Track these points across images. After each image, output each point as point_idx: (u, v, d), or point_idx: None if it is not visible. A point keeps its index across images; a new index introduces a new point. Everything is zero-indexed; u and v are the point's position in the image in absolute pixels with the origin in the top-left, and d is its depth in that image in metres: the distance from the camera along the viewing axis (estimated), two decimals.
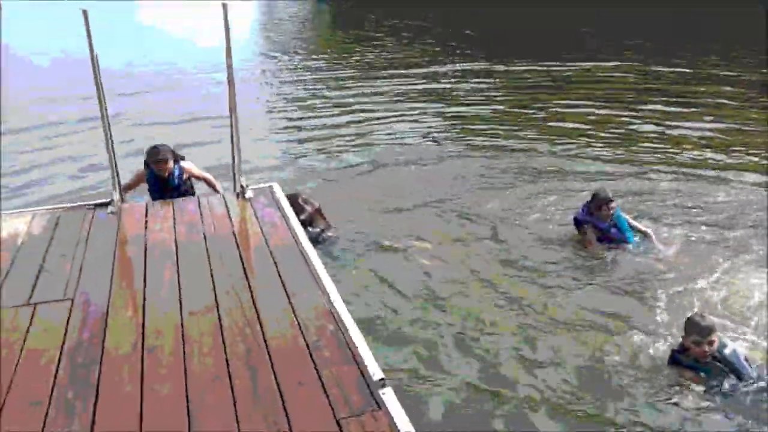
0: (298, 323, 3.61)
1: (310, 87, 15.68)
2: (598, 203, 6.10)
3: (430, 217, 7.05)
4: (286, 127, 11.69)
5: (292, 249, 4.62)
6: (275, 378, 3.13)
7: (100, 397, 3.01)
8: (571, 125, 11.13)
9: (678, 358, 4.27)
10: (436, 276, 5.71)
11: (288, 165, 9.11)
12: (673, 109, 12.08)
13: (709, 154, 9.27)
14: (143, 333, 3.55)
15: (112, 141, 5.43)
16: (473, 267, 5.88)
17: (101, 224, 5.11)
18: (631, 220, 6.32)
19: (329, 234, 6.30)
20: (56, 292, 4.00)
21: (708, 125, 10.93)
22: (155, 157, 6.06)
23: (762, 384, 4.05)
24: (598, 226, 6.12)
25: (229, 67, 5.41)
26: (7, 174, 8.68)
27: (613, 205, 6.08)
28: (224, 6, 5.11)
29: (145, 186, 6.47)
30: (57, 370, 3.21)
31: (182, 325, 3.62)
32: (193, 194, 6.29)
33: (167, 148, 6.16)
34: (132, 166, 6.78)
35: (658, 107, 12.24)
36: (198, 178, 6.43)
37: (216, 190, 6.37)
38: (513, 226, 6.75)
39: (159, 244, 4.74)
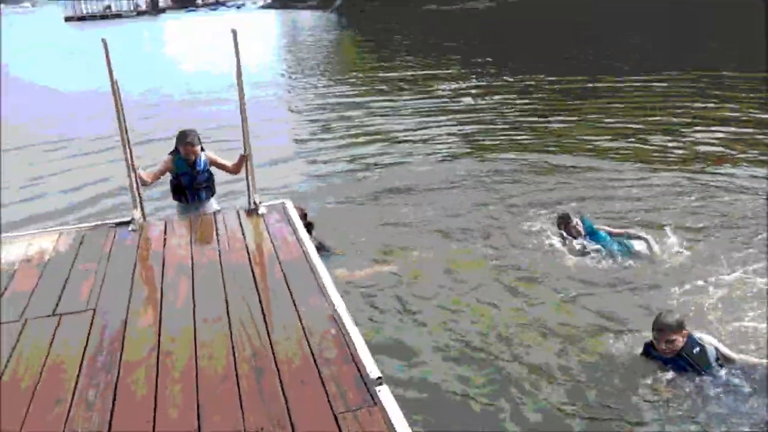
0: (303, 328, 3.84)
1: (329, 106, 16.12)
2: (561, 224, 6.61)
3: (434, 230, 7.34)
4: (304, 145, 12.07)
5: (301, 262, 4.86)
6: (279, 377, 3.36)
7: (117, 396, 3.26)
8: (579, 136, 11.40)
9: (649, 350, 4.47)
10: (435, 286, 5.95)
11: (302, 182, 9.44)
12: (678, 119, 12.31)
13: (716, 160, 9.46)
14: (159, 339, 3.80)
15: (132, 161, 5.74)
16: (469, 275, 6.12)
17: (123, 241, 5.41)
18: (612, 230, 6.56)
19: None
20: (79, 303, 4.29)
21: (715, 133, 11.17)
22: (185, 139, 6.11)
23: (729, 384, 4.18)
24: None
25: (240, 88, 5.70)
26: (35, 195, 9.14)
27: (573, 223, 6.49)
28: (234, 33, 5.43)
29: (164, 196, 6.57)
30: (79, 373, 3.47)
31: (195, 331, 3.87)
32: (214, 186, 6.46)
33: (195, 132, 6.23)
34: (153, 186, 7.08)
35: (664, 117, 12.48)
36: (219, 164, 6.45)
37: (235, 164, 6.35)
38: (513, 235, 7.00)
39: (176, 259, 5.02)
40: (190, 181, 6.24)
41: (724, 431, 3.92)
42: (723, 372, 4.24)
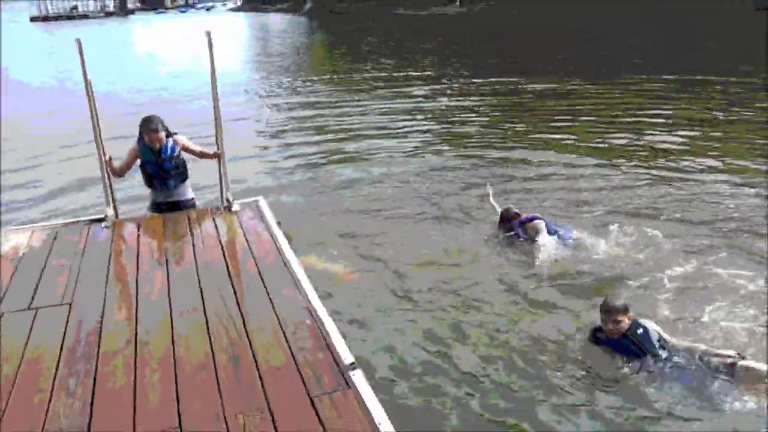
0: (278, 318, 3.95)
1: (300, 105, 16.24)
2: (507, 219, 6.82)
3: (405, 222, 7.55)
4: (276, 144, 12.17)
5: (275, 256, 4.97)
6: (256, 365, 3.46)
7: (97, 384, 3.34)
8: (551, 136, 11.69)
9: (597, 335, 4.74)
10: (407, 277, 6.11)
11: (275, 180, 9.54)
12: (646, 119, 12.74)
13: (681, 160, 9.82)
14: (136, 331, 3.88)
15: (105, 159, 5.78)
16: (438, 267, 6.31)
17: (96, 238, 5.46)
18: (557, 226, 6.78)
19: None
20: (55, 297, 4.33)
21: (680, 132, 11.59)
22: (148, 125, 5.86)
23: (671, 363, 4.46)
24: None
25: (214, 88, 5.80)
26: (7, 192, 9.09)
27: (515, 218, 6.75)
28: (208, 34, 5.52)
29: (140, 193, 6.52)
30: (58, 363, 3.53)
31: (172, 323, 3.95)
32: (186, 172, 6.21)
33: (159, 119, 5.97)
34: (123, 182, 7.10)
35: (633, 118, 12.89)
36: (191, 150, 6.24)
37: (207, 154, 6.26)
38: (478, 227, 7.22)
39: (150, 254, 5.08)
40: (156, 170, 6.00)
41: (666, 407, 4.17)
42: (664, 353, 4.53)
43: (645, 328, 4.58)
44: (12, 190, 9.22)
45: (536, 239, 6.48)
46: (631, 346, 4.53)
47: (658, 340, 4.56)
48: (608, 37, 28.20)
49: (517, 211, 6.85)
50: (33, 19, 72.54)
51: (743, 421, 4.02)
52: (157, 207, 6.22)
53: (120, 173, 6.02)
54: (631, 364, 4.49)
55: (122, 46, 39.18)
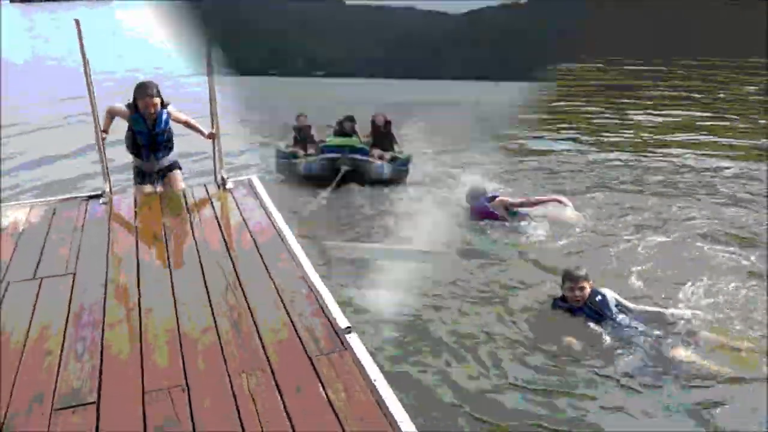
0: (275, 287, 4.12)
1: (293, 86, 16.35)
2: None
3: (393, 201, 7.87)
4: (267, 124, 12.29)
5: (270, 229, 5.13)
6: (256, 329, 3.64)
7: (105, 347, 3.50)
8: (539, 117, 11.94)
9: (558, 304, 5.03)
10: (392, 251, 6.40)
11: (265, 159, 9.67)
12: (628, 101, 13.02)
13: (666, 139, 10.15)
14: (139, 299, 4.03)
15: (101, 137, 5.89)
16: (422, 242, 6.56)
17: (95, 213, 5.58)
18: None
19: None
20: (59, 268, 4.47)
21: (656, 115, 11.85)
22: (144, 90, 5.64)
23: (631, 327, 4.75)
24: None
25: (210, 68, 5.91)
26: (5, 169, 9.21)
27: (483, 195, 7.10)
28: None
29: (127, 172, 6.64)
30: (65, 329, 3.68)
31: (173, 292, 4.11)
32: (172, 144, 6.14)
33: (155, 84, 5.80)
34: (119, 156, 7.17)
35: (619, 100, 13.16)
36: (180, 121, 6.09)
37: (200, 131, 6.20)
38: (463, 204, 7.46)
39: (149, 229, 5.22)
40: (147, 141, 5.91)
41: (625, 372, 4.42)
42: (624, 318, 4.82)
43: (603, 295, 4.87)
44: (10, 168, 9.32)
45: (509, 216, 6.79)
46: (592, 314, 4.80)
47: (617, 306, 4.83)
48: (601, 30, 28.41)
49: (484, 188, 7.11)
50: (13, 0, 71.52)
51: (699, 388, 4.23)
52: (141, 175, 6.18)
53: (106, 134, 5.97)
54: (591, 331, 4.73)
55: (109, 28, 38.80)
